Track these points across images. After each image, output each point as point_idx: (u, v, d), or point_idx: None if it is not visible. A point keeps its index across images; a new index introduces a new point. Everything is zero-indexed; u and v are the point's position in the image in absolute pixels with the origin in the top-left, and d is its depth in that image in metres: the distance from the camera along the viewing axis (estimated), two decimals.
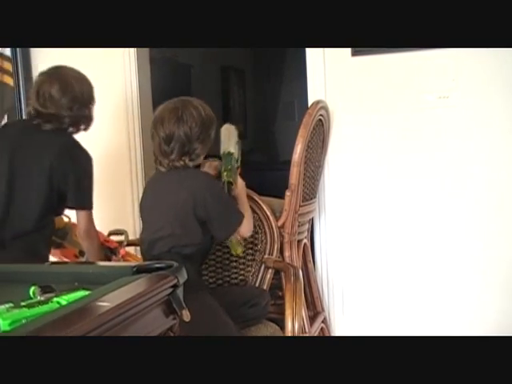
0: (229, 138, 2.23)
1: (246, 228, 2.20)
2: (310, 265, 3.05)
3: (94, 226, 2.41)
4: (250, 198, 2.54)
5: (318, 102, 2.88)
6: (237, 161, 2.23)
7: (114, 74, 3.27)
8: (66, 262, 2.32)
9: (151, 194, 2.19)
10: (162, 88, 3.66)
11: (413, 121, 2.91)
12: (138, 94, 3.25)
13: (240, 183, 2.26)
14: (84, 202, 2.37)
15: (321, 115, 2.89)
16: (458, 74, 2.79)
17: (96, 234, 2.43)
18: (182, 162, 2.10)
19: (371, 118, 2.98)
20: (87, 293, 1.42)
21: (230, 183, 2.15)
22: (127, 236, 2.60)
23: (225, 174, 2.16)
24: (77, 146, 2.34)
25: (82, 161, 2.32)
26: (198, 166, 2.22)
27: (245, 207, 2.25)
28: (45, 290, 1.44)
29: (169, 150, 2.08)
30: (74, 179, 2.31)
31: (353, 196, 3.06)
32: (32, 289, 1.47)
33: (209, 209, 2.07)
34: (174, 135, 2.06)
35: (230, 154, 2.19)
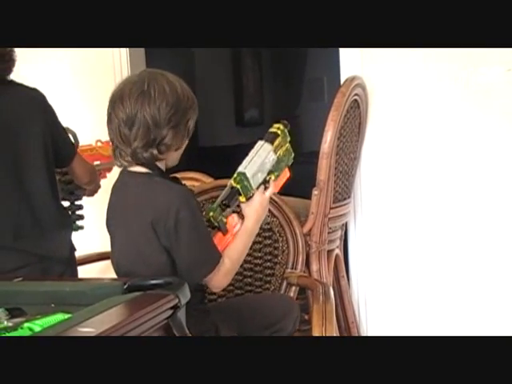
0: (255, 160, 2.07)
1: (220, 278, 1.96)
2: (344, 281, 3.04)
3: (88, 163, 2.64)
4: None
5: (352, 79, 2.87)
6: (250, 188, 2.04)
7: (102, 65, 3.31)
8: (39, 279, 2.32)
9: (115, 207, 2.05)
10: None
11: (472, 101, 2.88)
12: None
13: (254, 210, 2.05)
14: (74, 146, 2.55)
15: (356, 95, 2.87)
16: None
17: (93, 168, 2.66)
18: (147, 154, 1.93)
19: (418, 97, 2.96)
20: (66, 316, 1.42)
21: (237, 192, 2.02)
22: (72, 132, 2.73)
23: (237, 183, 2.01)
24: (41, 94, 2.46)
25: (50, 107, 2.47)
26: (175, 178, 2.05)
27: (239, 249, 2.02)
28: (13, 313, 1.44)
29: (130, 136, 1.91)
30: (59, 127, 2.47)
31: (396, 196, 3.03)
32: None
33: (178, 232, 1.90)
34: (137, 116, 1.88)
35: (243, 174, 2.03)
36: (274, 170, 2.12)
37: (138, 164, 1.97)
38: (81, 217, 2.77)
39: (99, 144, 2.94)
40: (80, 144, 2.74)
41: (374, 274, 3.10)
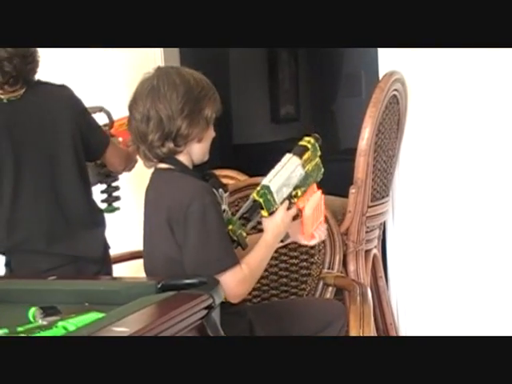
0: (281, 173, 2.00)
1: (234, 285, 1.88)
2: (382, 282, 3.02)
3: (123, 151, 2.62)
4: None
5: (391, 74, 2.85)
6: (273, 203, 1.96)
7: (137, 65, 3.34)
8: (73, 278, 2.36)
9: (144, 207, 2.07)
10: None
11: None
12: None
13: (281, 219, 1.98)
14: (106, 137, 2.55)
15: (395, 90, 2.86)
16: None
17: (127, 154, 2.62)
18: (165, 149, 1.95)
19: (460, 93, 2.92)
20: (100, 315, 1.44)
21: (259, 206, 1.95)
22: (106, 111, 2.75)
23: (259, 197, 1.94)
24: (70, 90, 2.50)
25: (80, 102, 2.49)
26: (200, 167, 2.05)
27: (257, 259, 1.96)
28: (47, 311, 1.47)
29: (147, 131, 1.93)
30: (88, 123, 2.50)
31: (435, 195, 3.01)
32: (31, 311, 1.49)
33: (187, 227, 1.88)
34: (150, 112, 1.92)
35: (267, 188, 1.95)
36: (301, 185, 2.05)
37: (160, 162, 1.99)
38: (117, 198, 2.77)
39: None
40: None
41: (412, 275, 3.08)
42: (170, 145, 1.94)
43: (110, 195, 2.74)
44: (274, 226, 1.99)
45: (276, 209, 1.98)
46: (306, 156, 2.06)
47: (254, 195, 1.95)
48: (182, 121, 1.93)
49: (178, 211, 1.88)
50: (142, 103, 1.94)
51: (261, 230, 2.03)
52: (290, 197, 2.03)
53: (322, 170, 2.13)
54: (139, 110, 1.94)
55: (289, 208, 2.02)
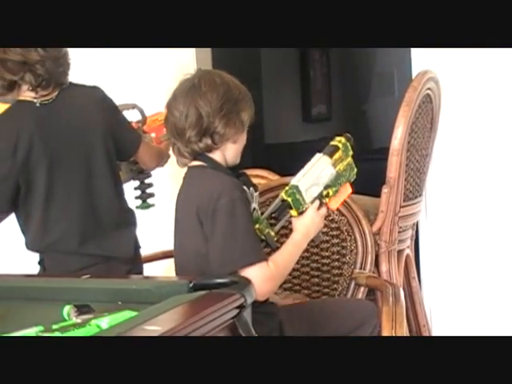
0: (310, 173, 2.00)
1: (261, 282, 1.85)
2: (415, 282, 3.01)
3: (154, 148, 2.65)
4: None
5: (424, 73, 2.84)
6: (302, 202, 1.96)
7: (169, 66, 3.38)
8: (106, 276, 2.39)
9: (176, 204, 2.11)
10: None
11: None
12: None
13: (309, 220, 1.98)
14: (138, 136, 2.57)
15: (429, 89, 2.84)
16: None
17: (159, 151, 2.66)
18: (202, 144, 1.98)
19: (494, 92, 2.90)
20: (133, 314, 1.46)
21: (288, 205, 1.95)
22: (139, 108, 2.76)
23: (288, 196, 1.95)
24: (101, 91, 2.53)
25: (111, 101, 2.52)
26: (235, 170, 2.06)
27: (286, 258, 1.97)
28: (81, 310, 1.49)
29: (185, 127, 1.97)
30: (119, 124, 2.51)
31: (469, 195, 2.99)
32: (66, 309, 1.51)
33: (215, 219, 1.90)
34: (189, 109, 1.96)
35: (295, 187, 1.96)
36: (332, 184, 2.05)
37: (195, 159, 2.03)
38: (151, 195, 2.78)
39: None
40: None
41: (446, 276, 3.07)
42: (208, 141, 1.99)
43: (143, 192, 2.76)
44: (304, 225, 2.00)
45: (306, 208, 1.98)
46: (336, 155, 2.06)
47: (283, 195, 1.96)
48: (220, 120, 1.97)
49: (207, 204, 1.92)
50: (181, 100, 1.99)
51: (292, 232, 2.04)
52: (320, 196, 2.03)
53: (355, 169, 2.13)
54: (179, 108, 1.99)
55: (320, 208, 2.03)
